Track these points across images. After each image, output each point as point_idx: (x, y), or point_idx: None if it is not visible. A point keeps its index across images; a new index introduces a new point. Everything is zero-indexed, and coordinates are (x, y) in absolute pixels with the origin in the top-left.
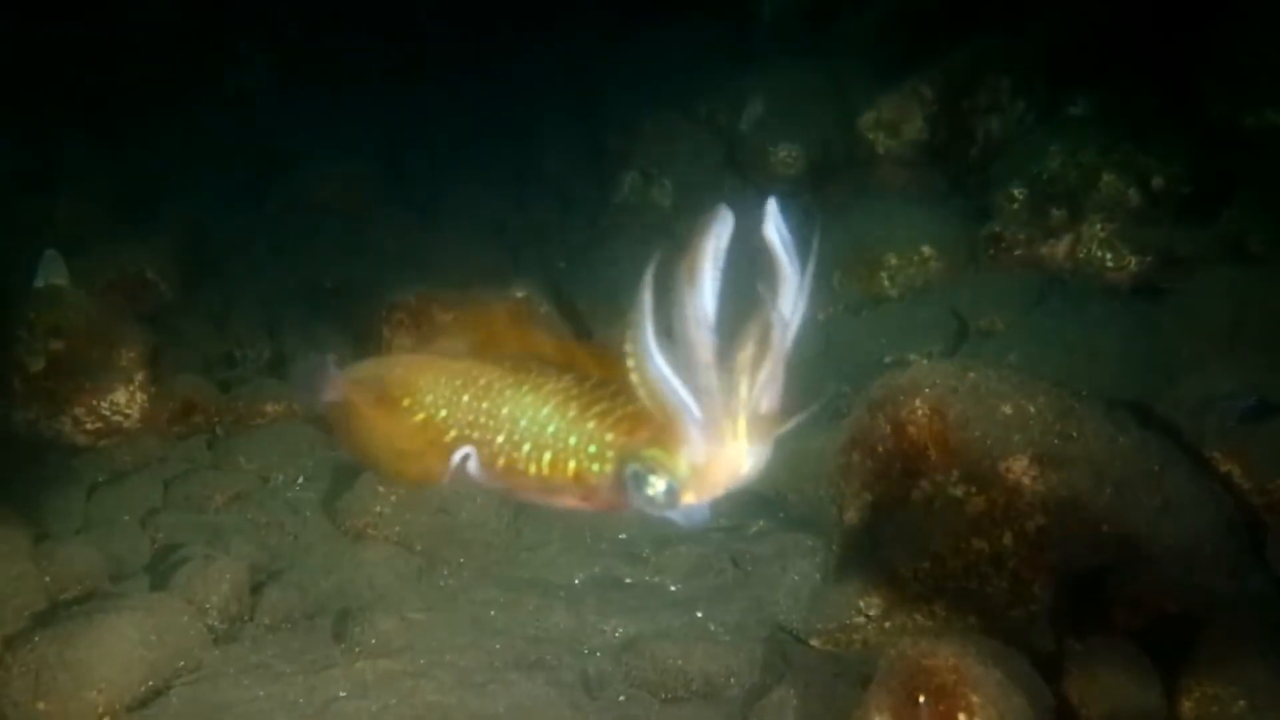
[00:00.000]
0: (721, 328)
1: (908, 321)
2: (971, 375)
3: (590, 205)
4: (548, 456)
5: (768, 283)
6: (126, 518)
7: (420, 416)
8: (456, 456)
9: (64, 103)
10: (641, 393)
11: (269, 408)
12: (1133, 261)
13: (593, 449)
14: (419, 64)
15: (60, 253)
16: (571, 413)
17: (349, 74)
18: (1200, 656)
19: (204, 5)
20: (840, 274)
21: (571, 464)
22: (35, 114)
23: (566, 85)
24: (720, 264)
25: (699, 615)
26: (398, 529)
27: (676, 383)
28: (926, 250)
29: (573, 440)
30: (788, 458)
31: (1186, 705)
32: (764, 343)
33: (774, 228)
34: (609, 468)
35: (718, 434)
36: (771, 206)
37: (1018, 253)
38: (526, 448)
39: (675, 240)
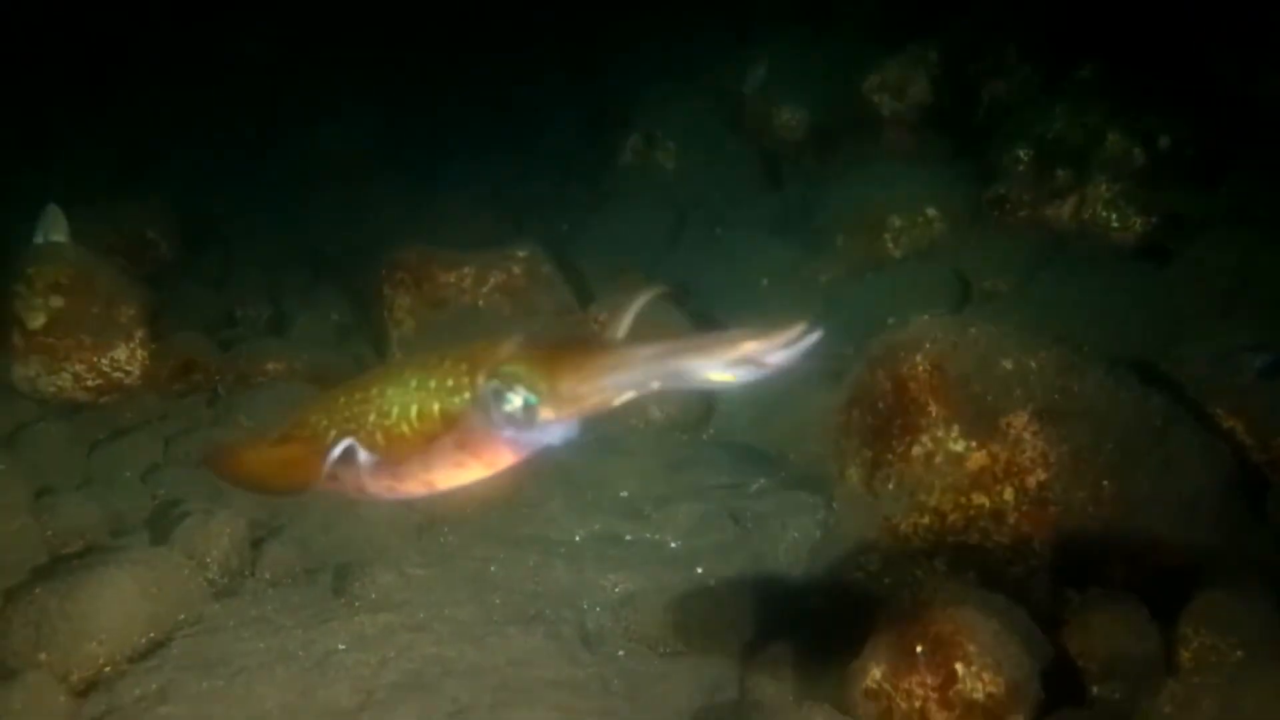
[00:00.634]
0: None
1: (911, 283)
2: (972, 331)
3: (592, 169)
4: (414, 409)
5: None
6: (127, 473)
7: (306, 433)
8: (336, 450)
9: (66, 67)
10: None
11: (270, 366)
12: (1138, 222)
13: (450, 382)
14: (418, 33)
15: (60, 208)
16: (431, 363)
17: (350, 42)
18: (1198, 608)
19: None
20: (843, 236)
21: (435, 405)
22: (36, 77)
23: (567, 51)
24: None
25: (699, 571)
26: None
27: None
28: (931, 212)
29: (432, 384)
30: (786, 416)
31: (1185, 656)
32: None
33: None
34: (468, 394)
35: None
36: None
37: (1022, 214)
38: (394, 410)
39: (677, 208)
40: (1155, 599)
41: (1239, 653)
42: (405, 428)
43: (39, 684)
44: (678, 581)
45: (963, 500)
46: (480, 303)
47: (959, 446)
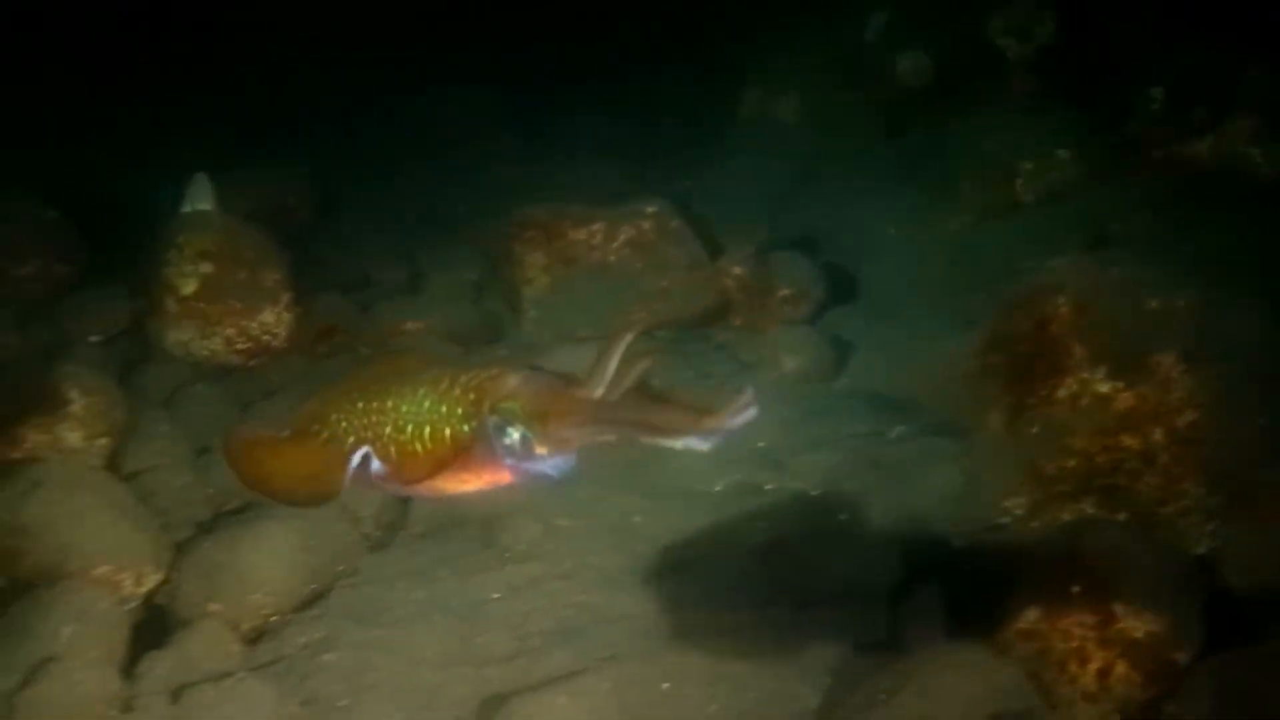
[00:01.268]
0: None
1: (1043, 228)
2: (1114, 271)
3: (711, 124)
4: (428, 430)
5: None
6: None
7: (325, 435)
8: (355, 457)
9: (194, 47)
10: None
11: (408, 326)
12: None
13: (460, 411)
14: None
15: (207, 176)
16: (443, 386)
17: (467, 3)
18: None
19: None
20: (970, 183)
21: (447, 430)
22: (161, 46)
23: (683, 4)
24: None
25: (842, 518)
26: None
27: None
28: (1062, 155)
29: (444, 409)
30: (919, 363)
31: None
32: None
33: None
34: (475, 423)
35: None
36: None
37: (1157, 154)
38: (410, 429)
39: (799, 160)
40: None
41: None
42: (418, 446)
43: (213, 632)
44: (822, 529)
45: (1110, 442)
46: (611, 258)
47: (1105, 388)
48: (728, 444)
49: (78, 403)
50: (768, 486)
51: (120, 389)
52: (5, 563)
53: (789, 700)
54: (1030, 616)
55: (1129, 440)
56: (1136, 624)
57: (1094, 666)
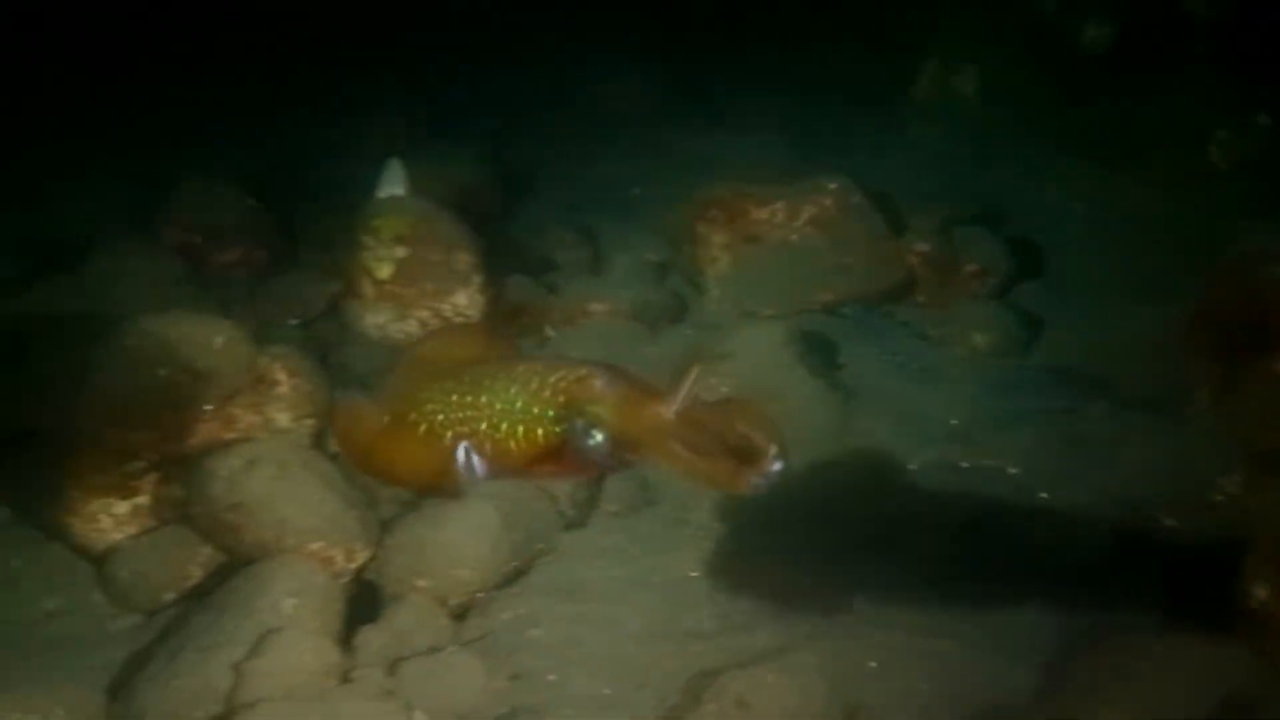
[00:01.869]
0: None
1: (1241, 196)
2: None
3: (883, 98)
4: (522, 429)
5: None
6: None
7: (423, 427)
8: (459, 454)
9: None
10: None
11: (594, 306)
12: None
13: (550, 413)
14: None
15: (401, 161)
16: (534, 386)
17: None
18: None
19: None
20: (1160, 151)
21: (539, 430)
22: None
23: None
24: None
25: (1043, 496)
26: None
27: None
28: (1263, 120)
29: (536, 410)
30: (1115, 337)
31: None
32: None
33: None
34: (564, 426)
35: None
36: None
37: None
38: (504, 426)
39: (979, 133)
40: None
41: None
42: (512, 444)
43: (423, 607)
44: (1023, 507)
45: None
46: (793, 236)
47: None
48: (921, 421)
49: (285, 384)
50: (963, 464)
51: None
52: (227, 537)
53: (1002, 680)
54: (1260, 596)
55: None
56: None
57: None
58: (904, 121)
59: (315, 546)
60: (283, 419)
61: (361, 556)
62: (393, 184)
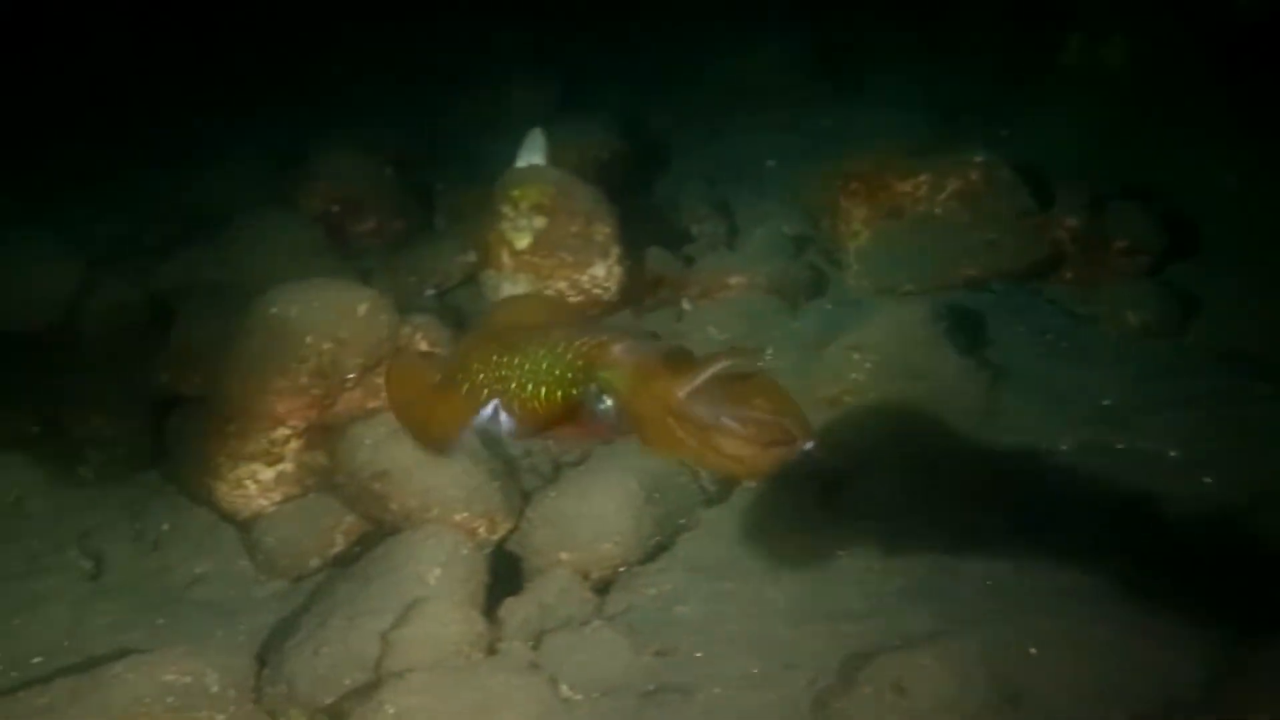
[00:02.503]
0: None
1: None
2: None
3: (1026, 69)
4: (544, 390)
5: None
6: None
7: (465, 386)
8: (487, 409)
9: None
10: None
11: (732, 280)
12: None
13: (570, 375)
14: None
15: (542, 132)
16: (559, 350)
17: None
18: None
19: None
20: None
21: (559, 392)
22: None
23: None
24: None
25: (1206, 482)
26: (872, 396)
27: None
28: None
29: (558, 372)
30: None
31: None
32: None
33: None
34: (580, 389)
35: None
36: None
37: None
38: (530, 387)
39: (1126, 106)
40: None
41: None
42: (536, 404)
43: (566, 580)
44: (1183, 492)
45: None
46: (937, 210)
47: None
48: (1072, 402)
49: None
50: (1118, 446)
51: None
52: (372, 505)
53: (1168, 673)
54: None
55: None
56: None
57: None
58: (1050, 93)
59: (460, 517)
60: None
61: (503, 528)
62: (533, 153)
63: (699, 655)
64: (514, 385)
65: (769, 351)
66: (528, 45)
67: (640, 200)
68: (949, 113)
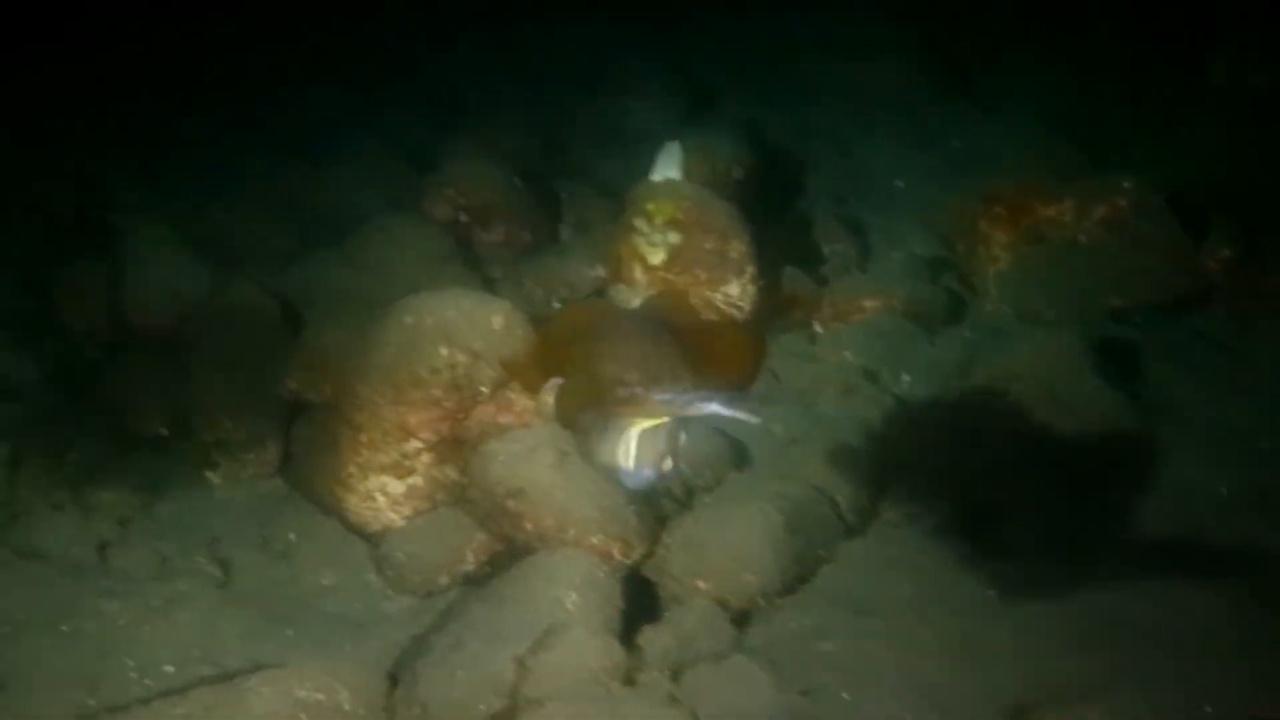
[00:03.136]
0: None
1: None
2: None
3: (1172, 91)
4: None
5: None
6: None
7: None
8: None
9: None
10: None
11: (868, 303)
12: None
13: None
14: None
15: (680, 145)
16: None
17: None
18: None
19: None
20: None
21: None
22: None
23: None
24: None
25: None
26: (1018, 428)
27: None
28: None
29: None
30: None
31: None
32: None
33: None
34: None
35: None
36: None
37: None
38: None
39: None
40: None
41: None
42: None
43: (706, 610)
44: None
45: None
46: (1082, 237)
47: None
48: (1229, 441)
49: None
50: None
51: None
52: (505, 524)
53: None
54: None
55: None
56: None
57: None
58: (1193, 116)
59: (596, 539)
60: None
61: (638, 551)
62: (669, 167)
63: (846, 696)
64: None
65: (906, 379)
66: (654, 52)
67: (769, 216)
68: (1084, 135)
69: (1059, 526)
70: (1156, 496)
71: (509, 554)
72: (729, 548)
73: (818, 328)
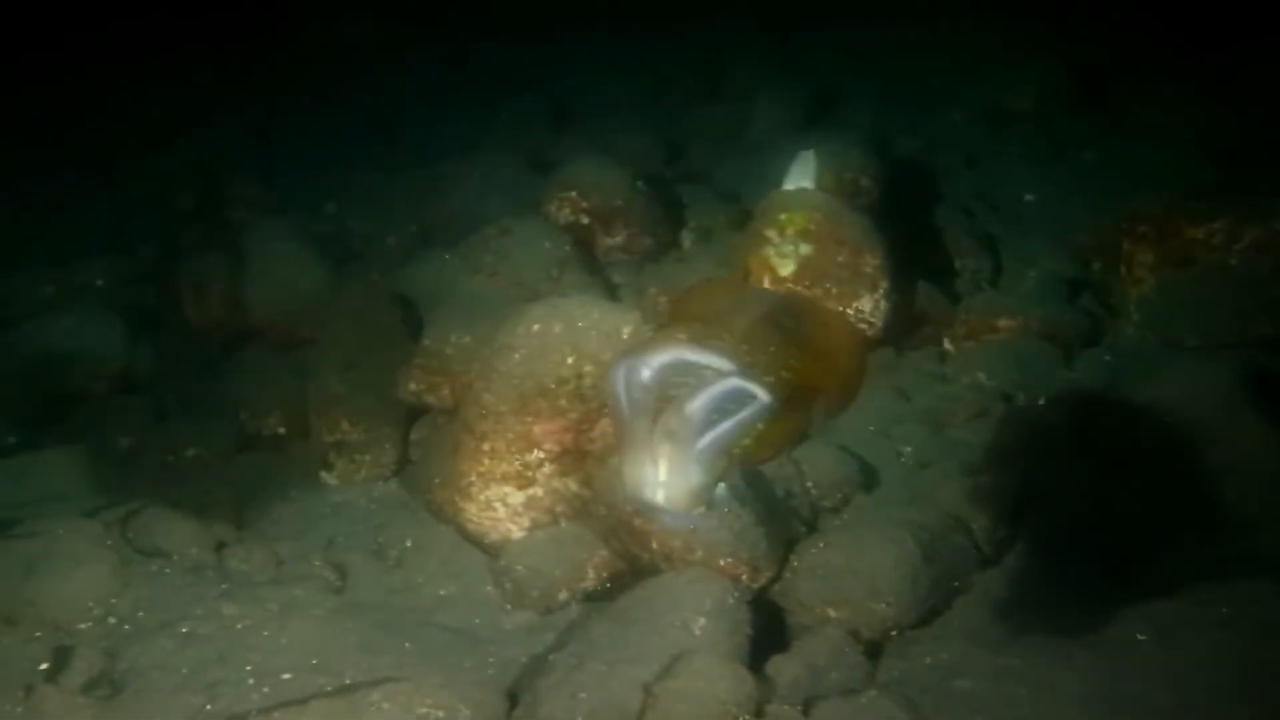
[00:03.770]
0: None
1: None
2: None
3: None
4: None
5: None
6: (870, 427)
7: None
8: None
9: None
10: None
11: (1002, 323)
12: None
13: None
14: None
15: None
16: None
17: None
18: None
19: None
20: None
21: None
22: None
23: None
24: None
25: None
26: (1164, 460)
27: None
28: None
29: None
30: None
31: None
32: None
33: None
34: None
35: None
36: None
37: None
38: None
39: None
40: None
41: None
42: None
43: (837, 641)
44: None
45: None
46: (1232, 260)
47: None
48: None
49: None
50: None
51: None
52: (631, 542)
53: None
54: None
55: None
56: None
57: None
58: None
59: (724, 562)
60: None
61: (765, 576)
62: (803, 177)
63: None
64: None
65: (1041, 402)
66: (772, 58)
67: (897, 229)
68: (1228, 155)
69: (1210, 567)
70: None
71: (632, 572)
72: (862, 576)
73: (949, 346)
